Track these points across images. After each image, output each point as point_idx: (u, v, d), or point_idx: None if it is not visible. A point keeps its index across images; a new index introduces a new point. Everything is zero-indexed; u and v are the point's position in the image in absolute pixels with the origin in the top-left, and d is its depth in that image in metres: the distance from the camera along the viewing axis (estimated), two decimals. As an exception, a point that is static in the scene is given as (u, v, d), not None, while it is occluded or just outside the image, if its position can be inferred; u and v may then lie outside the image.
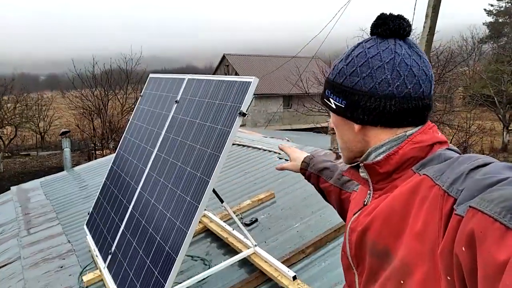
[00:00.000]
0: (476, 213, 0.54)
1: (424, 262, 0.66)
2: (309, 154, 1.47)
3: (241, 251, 2.48)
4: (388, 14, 0.83)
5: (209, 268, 2.46)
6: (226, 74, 31.12)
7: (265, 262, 2.32)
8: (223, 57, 32.63)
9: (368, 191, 0.88)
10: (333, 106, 0.88)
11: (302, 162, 1.44)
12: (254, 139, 5.41)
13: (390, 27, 0.81)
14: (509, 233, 0.49)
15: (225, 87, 2.04)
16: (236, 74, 29.06)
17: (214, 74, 32.06)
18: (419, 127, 0.81)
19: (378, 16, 0.84)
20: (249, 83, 1.84)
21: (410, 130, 0.81)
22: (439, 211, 0.64)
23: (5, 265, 3.26)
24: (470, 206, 0.56)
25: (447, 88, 17.41)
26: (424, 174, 0.72)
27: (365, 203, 0.89)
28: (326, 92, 0.90)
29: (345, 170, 0.98)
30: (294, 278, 2.12)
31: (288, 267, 2.24)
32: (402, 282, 0.70)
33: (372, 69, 0.79)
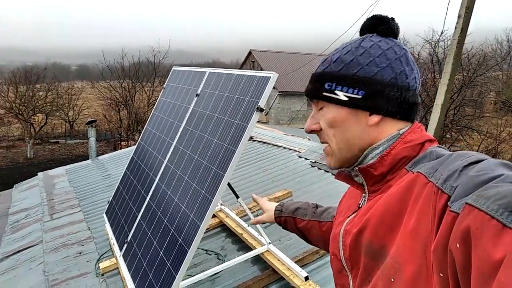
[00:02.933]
0: (473, 210, 0.53)
1: (416, 259, 0.65)
2: (280, 202, 1.48)
3: (255, 248, 2.47)
4: (385, 15, 0.86)
5: (222, 263, 2.46)
6: (252, 70, 31.16)
7: (278, 260, 2.30)
8: (249, 53, 32.68)
9: (363, 194, 0.87)
10: (343, 98, 0.82)
11: (275, 211, 1.43)
12: (275, 136, 5.38)
13: (390, 26, 0.85)
14: (506, 231, 0.48)
15: (244, 82, 2.03)
16: (261, 70, 29.02)
17: (239, 69, 32.17)
18: (409, 126, 0.83)
19: (375, 16, 0.87)
20: (268, 78, 1.82)
21: (403, 129, 0.82)
22: (433, 208, 0.63)
23: (28, 247, 3.36)
24: (466, 203, 0.55)
25: (477, 93, 16.82)
26: (417, 172, 0.72)
27: (360, 206, 0.87)
28: (327, 86, 0.84)
29: (336, 175, 0.96)
30: (307, 278, 2.09)
31: (301, 267, 2.21)
32: (392, 280, 0.69)
33: (390, 60, 0.81)
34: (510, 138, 18.54)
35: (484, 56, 17.30)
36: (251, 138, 5.17)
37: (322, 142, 0.91)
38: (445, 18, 7.13)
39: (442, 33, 14.28)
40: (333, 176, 3.27)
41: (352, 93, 0.81)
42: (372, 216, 0.77)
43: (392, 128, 0.82)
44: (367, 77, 0.80)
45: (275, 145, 4.78)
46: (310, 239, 1.32)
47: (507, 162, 0.62)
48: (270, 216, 1.46)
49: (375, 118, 0.81)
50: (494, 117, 19.21)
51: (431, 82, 12.15)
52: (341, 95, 0.82)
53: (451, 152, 0.73)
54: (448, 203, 0.60)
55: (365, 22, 0.87)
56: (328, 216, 1.23)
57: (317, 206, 1.31)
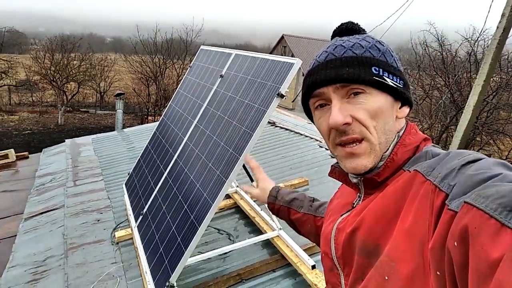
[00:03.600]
0: (471, 209, 0.53)
1: (412, 257, 0.64)
2: (275, 186, 1.39)
3: (265, 232, 2.50)
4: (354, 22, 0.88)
5: (233, 243, 2.50)
6: (282, 55, 30.79)
7: (287, 246, 2.32)
8: (281, 38, 32.28)
9: (358, 194, 0.86)
10: (391, 84, 0.76)
11: (269, 196, 1.36)
12: (298, 124, 5.35)
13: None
14: (504, 230, 0.48)
15: (268, 66, 2.02)
16: (292, 55, 28.69)
17: (270, 54, 31.81)
18: (404, 128, 0.82)
19: (348, 22, 0.88)
20: (292, 64, 1.80)
21: (401, 131, 0.81)
22: (430, 206, 0.63)
23: (51, 210, 3.51)
24: (465, 202, 0.54)
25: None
26: (414, 170, 0.71)
27: (354, 205, 0.86)
28: (374, 69, 0.76)
29: (329, 172, 0.92)
30: (313, 267, 2.11)
31: (309, 255, 2.22)
32: (386, 278, 0.68)
33: (399, 61, 0.84)
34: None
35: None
36: (273, 124, 5.16)
37: (351, 140, 0.77)
38: (487, 16, 6.79)
39: (482, 31, 13.64)
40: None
41: (397, 82, 0.78)
42: (367, 215, 0.76)
43: (403, 123, 0.83)
44: (399, 69, 0.80)
45: (297, 133, 4.76)
46: (301, 231, 1.30)
47: (505, 162, 0.61)
48: (263, 197, 1.39)
49: (406, 110, 0.81)
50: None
51: (466, 82, 11.68)
52: (389, 82, 0.77)
53: (447, 151, 0.72)
54: (446, 201, 0.59)
55: (339, 28, 0.88)
56: (323, 211, 1.21)
57: (313, 200, 1.29)
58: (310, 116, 0.91)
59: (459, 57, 13.50)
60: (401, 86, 0.79)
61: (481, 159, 0.63)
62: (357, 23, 0.88)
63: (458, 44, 13.26)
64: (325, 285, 0.94)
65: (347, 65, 0.76)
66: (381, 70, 0.76)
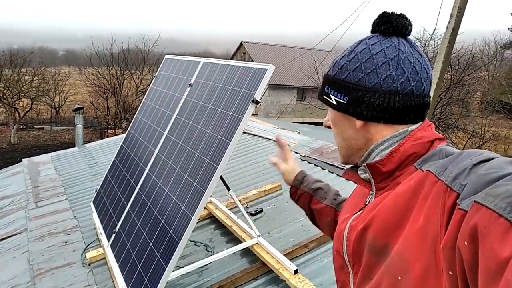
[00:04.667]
0: (481, 208, 0.53)
1: (424, 257, 0.65)
2: (302, 170, 1.37)
3: (244, 240, 2.47)
4: (390, 12, 0.84)
5: (211, 254, 2.45)
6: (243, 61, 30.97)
7: (268, 253, 2.30)
8: (241, 44, 32.46)
9: (370, 192, 0.87)
10: (334, 102, 0.86)
11: (295, 179, 1.33)
12: (265, 129, 5.37)
13: (393, 25, 0.82)
14: None
15: (240, 73, 2.00)
16: (252, 62, 28.90)
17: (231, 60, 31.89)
18: (419, 124, 0.82)
19: (381, 14, 0.84)
20: (265, 70, 1.80)
21: (412, 126, 0.81)
22: (442, 206, 0.63)
23: (12, 235, 3.30)
24: (475, 201, 0.55)
25: (464, 92, 17.05)
26: (427, 170, 0.71)
27: (367, 203, 0.87)
28: (326, 89, 0.88)
29: (343, 173, 0.97)
30: (296, 271, 2.10)
31: (290, 260, 2.21)
32: (399, 278, 0.68)
33: (376, 65, 0.80)
34: (494, 137, 18.89)
35: (473, 56, 17.50)
36: (241, 130, 5.15)
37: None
38: (438, 17, 7.17)
39: (434, 32, 14.40)
40: (323, 171, 3.25)
41: (340, 98, 0.84)
42: (379, 213, 0.77)
43: (385, 130, 0.82)
44: (351, 82, 0.82)
45: (265, 138, 4.77)
46: (318, 222, 1.27)
47: None
48: (289, 176, 1.35)
49: (359, 123, 0.83)
50: (480, 116, 19.54)
51: (420, 80, 12.34)
52: (333, 99, 0.86)
53: (460, 151, 0.72)
54: (457, 201, 0.59)
55: (374, 20, 0.86)
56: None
57: (338, 194, 1.25)
58: None
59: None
60: (345, 102, 0.83)
61: (493, 158, 0.63)
62: (384, 14, 0.84)
63: (410, 45, 13.91)
64: None
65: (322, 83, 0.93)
66: (330, 88, 0.87)
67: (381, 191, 0.83)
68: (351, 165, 0.94)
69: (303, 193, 1.30)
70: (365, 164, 0.84)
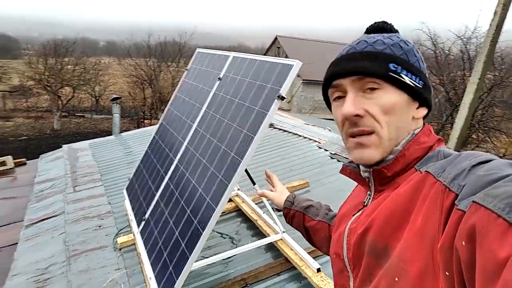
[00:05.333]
0: (479, 208, 0.53)
1: (422, 258, 0.64)
2: (291, 193, 1.42)
3: (269, 235, 2.49)
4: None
5: (236, 247, 2.49)
6: (276, 56, 30.81)
7: (291, 250, 2.31)
8: (275, 39, 32.27)
9: (368, 192, 0.86)
10: (409, 83, 0.78)
11: (286, 201, 1.38)
12: (296, 125, 5.34)
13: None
14: None
15: (267, 68, 2.01)
16: (286, 57, 28.70)
17: (264, 55, 31.83)
18: (421, 127, 0.83)
19: (381, 21, 0.88)
20: (292, 66, 1.79)
21: (417, 129, 0.82)
22: (440, 206, 0.63)
23: (51, 217, 3.49)
24: (473, 201, 0.55)
25: (508, 94, 16.14)
26: (426, 171, 0.71)
27: (365, 204, 0.86)
28: (393, 66, 0.77)
29: (341, 169, 0.94)
30: (318, 270, 2.10)
31: (313, 258, 2.21)
32: (396, 279, 0.68)
33: (423, 63, 0.84)
34: (541, 141, 17.81)
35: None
36: (271, 125, 5.15)
37: (361, 132, 0.79)
38: (479, 14, 6.83)
39: (475, 29, 13.68)
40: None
41: (416, 81, 0.79)
42: (378, 215, 0.76)
43: (420, 123, 0.83)
44: (423, 69, 0.82)
45: (295, 134, 4.76)
46: (314, 240, 1.29)
47: None
48: (280, 199, 1.41)
49: (423, 111, 0.82)
50: (525, 119, 18.45)
51: (460, 80, 11.71)
52: (407, 80, 0.78)
53: (459, 152, 0.72)
54: (456, 201, 0.59)
55: (372, 26, 0.88)
56: None
57: (329, 209, 1.29)
58: (329, 107, 0.93)
59: (453, 56, 13.53)
60: (420, 86, 0.79)
61: (492, 160, 0.63)
62: (390, 23, 0.88)
63: (451, 43, 13.30)
64: None
65: (366, 58, 0.79)
66: (399, 67, 0.78)
67: (379, 192, 0.83)
68: (349, 161, 0.92)
69: (296, 213, 1.34)
70: (370, 170, 0.83)
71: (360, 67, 0.78)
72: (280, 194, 1.45)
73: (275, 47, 32.33)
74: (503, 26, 5.84)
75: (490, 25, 5.88)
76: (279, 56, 30.28)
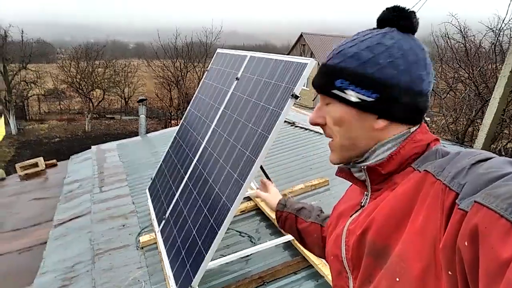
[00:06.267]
0: (481, 208, 0.52)
1: (424, 257, 0.64)
2: (283, 197, 1.41)
3: (287, 234, 2.49)
4: (407, 9, 0.79)
5: (254, 245, 2.50)
6: (301, 54, 30.61)
7: (309, 248, 2.30)
8: (300, 36, 32.09)
9: (365, 192, 0.85)
10: (352, 99, 0.77)
11: (278, 204, 1.37)
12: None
13: (413, 22, 0.79)
14: None
15: (282, 67, 2.01)
16: (312, 54, 28.46)
17: (289, 53, 31.68)
18: (418, 126, 0.80)
19: (398, 8, 0.79)
20: (305, 64, 1.78)
21: (413, 128, 0.79)
22: (441, 206, 0.62)
23: (79, 217, 3.62)
24: (475, 201, 0.54)
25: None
26: (425, 171, 0.70)
27: (363, 205, 0.85)
28: (340, 83, 0.78)
29: (337, 171, 0.92)
30: (335, 268, 2.08)
31: (331, 256, 2.19)
32: (397, 279, 0.68)
33: (409, 63, 0.75)
34: None
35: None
36: (293, 124, 5.13)
37: (326, 136, 0.88)
38: (510, 4, 6.53)
39: (506, 20, 13.07)
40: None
41: (364, 95, 0.76)
42: (378, 216, 0.75)
43: (395, 130, 0.79)
44: (383, 79, 0.75)
45: (316, 132, 4.72)
46: (306, 242, 1.28)
47: None
48: (272, 202, 1.41)
49: (382, 123, 0.77)
50: None
51: (492, 73, 11.23)
52: (353, 96, 0.77)
53: (458, 150, 0.71)
54: (456, 200, 0.59)
55: (385, 13, 0.80)
56: None
57: (321, 211, 1.28)
58: None
59: (484, 48, 13.00)
60: (372, 99, 0.76)
61: (491, 158, 0.63)
62: (402, 10, 0.79)
63: (482, 35, 12.77)
64: None
65: (320, 74, 0.84)
66: (347, 83, 0.77)
67: (376, 192, 0.82)
68: (344, 164, 0.89)
69: (288, 215, 1.32)
70: (364, 167, 0.81)
71: (314, 83, 0.86)
72: (274, 196, 1.44)
73: (300, 44, 32.14)
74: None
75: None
76: (304, 54, 30.03)
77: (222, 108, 2.60)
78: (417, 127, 0.80)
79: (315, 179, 3.29)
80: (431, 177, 0.67)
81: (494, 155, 0.64)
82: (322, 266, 2.12)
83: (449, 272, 0.58)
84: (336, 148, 0.86)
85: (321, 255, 1.19)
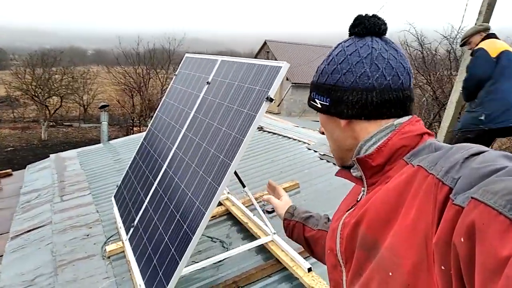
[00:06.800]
0: (479, 205, 0.52)
1: (415, 252, 0.64)
2: (292, 204, 1.41)
3: (259, 237, 2.48)
4: (364, 14, 0.87)
5: (227, 250, 2.47)
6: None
7: (282, 251, 2.30)
8: (264, 43, 32.47)
9: (362, 188, 0.87)
10: (319, 105, 0.90)
11: (286, 212, 1.36)
12: (286, 127, 5.35)
13: (366, 25, 0.85)
14: None
15: (255, 71, 2.01)
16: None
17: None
18: (406, 118, 0.83)
19: (355, 17, 0.88)
20: (279, 68, 1.80)
21: (398, 120, 0.83)
22: (433, 200, 0.62)
23: (38, 227, 3.43)
24: (472, 197, 0.53)
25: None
26: (418, 165, 0.71)
27: (359, 200, 0.87)
28: (312, 94, 0.93)
29: (336, 172, 0.98)
30: (309, 270, 2.09)
31: (304, 258, 2.21)
32: (390, 274, 0.68)
33: (351, 65, 0.83)
34: (526, 139, 18.10)
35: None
36: (261, 129, 5.16)
37: None
38: (464, 14, 6.95)
39: (460, 29, 13.94)
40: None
41: (323, 101, 0.89)
42: (369, 208, 0.77)
43: (369, 126, 0.84)
44: (331, 84, 0.86)
45: (285, 136, 4.76)
46: (315, 250, 1.27)
47: (509, 154, 0.61)
48: (282, 210, 1.38)
49: (342, 122, 0.86)
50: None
51: (447, 79, 11.90)
52: (318, 103, 0.91)
53: (451, 145, 0.72)
54: (450, 195, 0.58)
55: (350, 24, 0.89)
56: None
57: (328, 219, 1.28)
58: None
59: (439, 55, 13.74)
60: (328, 104, 0.87)
61: (484, 151, 0.62)
62: (356, 17, 0.88)
63: (437, 43, 13.50)
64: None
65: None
66: (314, 93, 0.92)
67: (372, 186, 0.83)
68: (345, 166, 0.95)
69: (296, 224, 1.32)
70: (355, 159, 0.84)
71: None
72: (285, 204, 1.41)
73: (264, 51, 32.52)
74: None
75: (475, 24, 5.98)
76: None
77: (193, 113, 2.56)
78: (404, 119, 0.83)
79: (285, 183, 3.31)
80: (423, 171, 0.67)
81: (487, 148, 0.64)
82: (297, 268, 2.13)
83: (442, 267, 0.58)
84: (332, 152, 0.98)
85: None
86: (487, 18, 5.90)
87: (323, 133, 0.98)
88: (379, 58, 0.82)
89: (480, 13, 5.95)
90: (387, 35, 0.89)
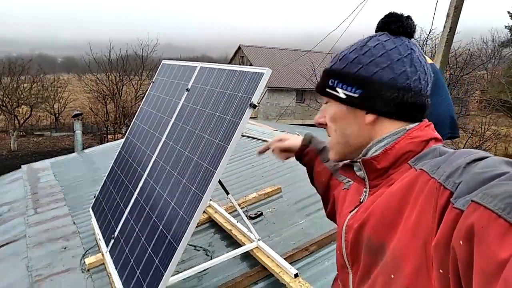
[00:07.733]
0: (478, 208, 0.52)
1: (416, 255, 0.65)
2: (308, 132, 1.44)
3: (244, 244, 2.46)
4: (400, 13, 0.86)
5: (211, 259, 2.44)
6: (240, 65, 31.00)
7: (268, 257, 2.29)
8: (239, 48, 32.52)
9: (364, 189, 0.88)
10: (342, 95, 0.85)
11: (304, 140, 1.39)
12: (264, 132, 5.36)
13: (403, 25, 0.84)
14: None
15: (237, 77, 2.00)
16: (251, 65, 28.88)
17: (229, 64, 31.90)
18: (417, 123, 0.83)
19: (390, 14, 0.87)
20: (262, 74, 1.79)
21: (410, 125, 0.82)
22: (434, 204, 0.63)
23: (11, 242, 3.29)
24: (472, 200, 0.54)
25: (463, 91, 17.04)
26: (420, 169, 0.72)
27: (361, 201, 0.88)
28: (331, 82, 0.87)
29: (340, 167, 0.98)
30: (296, 275, 2.09)
31: (290, 263, 2.20)
32: (392, 276, 0.69)
33: (392, 61, 0.81)
34: (495, 136, 18.84)
35: (471, 55, 17.52)
36: (240, 134, 5.15)
37: (328, 135, 0.94)
38: (434, 17, 7.19)
39: (430, 31, 14.46)
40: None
41: (350, 91, 0.83)
42: (373, 212, 0.77)
43: (390, 127, 0.82)
44: (366, 76, 0.82)
45: (264, 141, 4.77)
46: (315, 181, 1.33)
47: (510, 160, 0.61)
48: (296, 143, 1.41)
49: (370, 117, 0.83)
50: (479, 115, 19.50)
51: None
52: (341, 93, 0.85)
53: (454, 150, 0.73)
54: (451, 199, 0.59)
55: (380, 20, 0.88)
56: (340, 178, 1.20)
57: None
58: None
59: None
60: (357, 95, 0.82)
61: (487, 157, 0.63)
62: (392, 14, 0.87)
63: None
64: None
65: (320, 77, 0.93)
66: (336, 81, 0.86)
67: (374, 188, 0.84)
68: (347, 161, 0.94)
69: (310, 150, 1.35)
70: (360, 160, 0.85)
71: (315, 86, 0.95)
72: (296, 138, 1.45)
73: (238, 56, 32.56)
74: (457, 27, 6.19)
75: (444, 26, 6.20)
76: (243, 65, 30.42)
77: (172, 120, 2.52)
78: (415, 124, 0.83)
79: (268, 187, 3.30)
80: (426, 175, 0.68)
81: (489, 154, 0.65)
82: (283, 274, 2.12)
83: (440, 270, 0.58)
84: (333, 145, 0.92)
85: (322, 196, 1.29)
86: (455, 20, 6.13)
87: (320, 125, 0.94)
88: (417, 61, 0.82)
89: (448, 15, 6.17)
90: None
